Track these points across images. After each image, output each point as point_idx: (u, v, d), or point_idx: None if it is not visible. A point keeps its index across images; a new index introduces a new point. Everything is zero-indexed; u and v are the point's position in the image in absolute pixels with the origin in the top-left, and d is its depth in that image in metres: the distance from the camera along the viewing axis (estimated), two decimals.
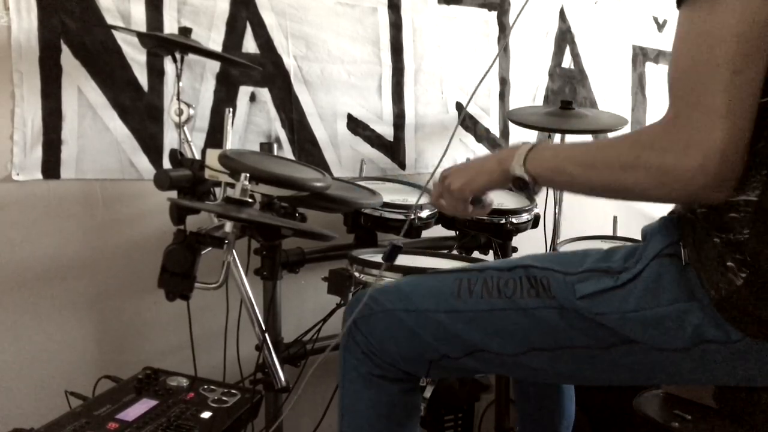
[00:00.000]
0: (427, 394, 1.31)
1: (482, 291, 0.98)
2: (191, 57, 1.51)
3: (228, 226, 1.15)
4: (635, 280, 0.86)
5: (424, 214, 1.59)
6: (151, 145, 1.60)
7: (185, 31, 1.44)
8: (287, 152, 1.79)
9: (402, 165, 2.01)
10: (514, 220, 1.71)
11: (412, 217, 1.57)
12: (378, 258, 1.40)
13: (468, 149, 2.15)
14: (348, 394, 1.09)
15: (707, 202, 0.79)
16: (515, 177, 0.93)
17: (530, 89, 2.31)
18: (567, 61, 2.39)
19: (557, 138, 2.14)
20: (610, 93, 2.52)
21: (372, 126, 1.94)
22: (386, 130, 1.97)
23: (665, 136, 0.76)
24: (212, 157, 1.19)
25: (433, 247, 1.79)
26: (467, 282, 1.00)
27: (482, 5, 2.14)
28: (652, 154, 0.77)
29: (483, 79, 1.48)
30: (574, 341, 0.92)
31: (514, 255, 1.90)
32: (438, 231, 1.74)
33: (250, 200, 1.13)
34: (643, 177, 0.78)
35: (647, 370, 0.93)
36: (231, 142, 1.41)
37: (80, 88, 1.50)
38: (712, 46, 0.72)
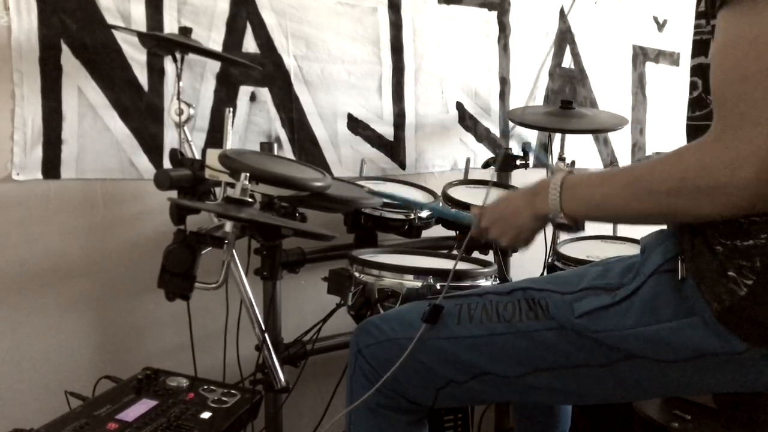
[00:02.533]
0: None
1: (482, 316, 0.99)
2: (191, 57, 1.51)
3: (228, 226, 1.15)
4: (633, 297, 0.86)
5: (424, 214, 1.59)
6: (152, 144, 1.60)
7: (185, 31, 1.43)
8: (287, 152, 1.79)
9: (402, 165, 2.01)
10: None
11: (412, 216, 1.57)
12: (378, 258, 1.40)
13: (468, 149, 2.15)
14: (355, 425, 1.10)
15: (758, 211, 0.76)
16: (557, 223, 0.92)
17: (530, 89, 2.30)
18: (567, 61, 2.39)
19: (558, 138, 2.14)
20: (610, 93, 2.52)
21: (372, 126, 1.94)
22: (386, 130, 1.97)
23: (712, 154, 0.74)
24: (212, 156, 1.19)
25: (433, 247, 1.79)
26: (467, 307, 1.01)
27: (482, 5, 2.14)
28: (701, 175, 0.75)
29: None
30: (576, 360, 0.93)
31: (514, 255, 1.90)
32: (438, 231, 1.74)
33: (250, 200, 1.13)
34: (694, 199, 0.76)
35: (652, 385, 0.93)
36: (231, 142, 1.41)
37: (80, 88, 1.50)
38: (759, 55, 0.70)
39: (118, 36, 1.53)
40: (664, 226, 0.91)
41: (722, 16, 0.74)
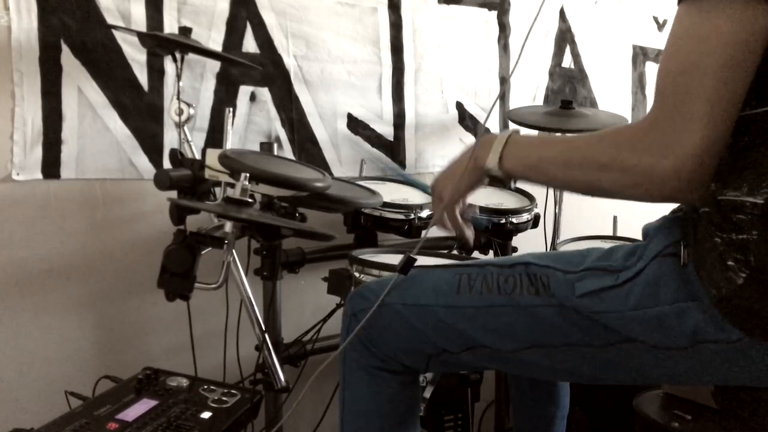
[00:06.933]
0: (427, 394, 1.31)
1: (482, 287, 0.98)
2: (191, 57, 1.51)
3: (228, 226, 1.15)
4: (635, 279, 0.86)
5: (424, 213, 1.59)
6: (151, 144, 1.60)
7: (185, 31, 1.43)
8: (287, 152, 1.79)
9: (402, 165, 2.01)
10: (514, 220, 1.71)
11: (412, 216, 1.57)
12: (378, 258, 1.40)
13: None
14: (349, 387, 1.10)
15: (681, 201, 0.81)
16: (491, 176, 0.94)
17: (530, 89, 2.31)
18: (567, 61, 2.39)
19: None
20: (610, 93, 2.52)
21: (372, 126, 1.94)
22: (386, 130, 1.97)
23: (644, 138, 0.77)
24: (212, 156, 1.19)
25: (433, 247, 1.79)
26: (467, 277, 1.00)
27: (482, 5, 2.14)
28: (630, 155, 0.78)
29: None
30: (574, 339, 0.92)
31: (514, 255, 1.90)
32: (438, 231, 1.74)
33: (250, 200, 1.13)
34: (619, 177, 0.80)
35: (647, 370, 0.93)
36: (231, 142, 1.41)
37: (80, 88, 1.50)
38: (703, 53, 0.72)
39: (118, 36, 1.53)
40: (665, 212, 0.91)
41: (679, 10, 0.77)
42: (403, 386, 1.09)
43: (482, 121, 2.18)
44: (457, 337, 1.00)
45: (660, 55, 2.65)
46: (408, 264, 1.05)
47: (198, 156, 1.42)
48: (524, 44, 1.19)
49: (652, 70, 2.65)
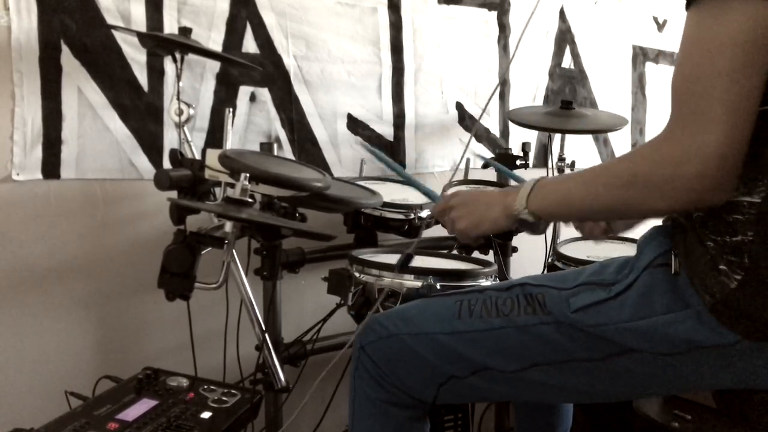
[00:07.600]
0: None
1: (481, 311, 1.01)
2: (191, 57, 1.51)
3: (228, 226, 1.15)
4: (627, 291, 0.87)
5: (424, 213, 1.59)
6: (151, 145, 1.60)
7: (185, 31, 1.44)
8: (287, 152, 1.79)
9: (402, 165, 2.00)
10: None
11: (412, 216, 1.57)
12: (378, 258, 1.40)
13: (468, 149, 2.14)
14: (357, 420, 1.11)
15: (709, 205, 0.80)
16: (520, 220, 0.95)
17: (530, 89, 2.31)
18: (567, 61, 2.39)
19: (557, 138, 2.14)
20: (610, 93, 2.52)
21: (372, 126, 1.94)
22: (386, 130, 1.97)
23: (662, 149, 0.77)
24: (212, 157, 1.19)
25: (433, 247, 1.79)
26: (467, 303, 1.03)
27: (482, 5, 2.14)
28: (650, 168, 0.78)
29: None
30: (574, 354, 0.94)
31: (514, 255, 1.90)
32: (438, 231, 1.73)
33: (250, 200, 1.13)
34: (644, 193, 0.79)
35: (649, 379, 0.94)
36: (231, 142, 1.41)
37: (80, 88, 1.50)
38: (715, 55, 0.72)
39: (118, 36, 1.53)
40: (659, 222, 0.92)
41: (688, 15, 0.77)
42: (411, 421, 1.10)
43: (482, 121, 2.18)
44: (462, 362, 1.02)
45: (660, 55, 2.65)
46: (406, 262, 1.06)
47: (198, 156, 1.41)
48: (518, 43, 1.20)
49: (652, 70, 2.65)
